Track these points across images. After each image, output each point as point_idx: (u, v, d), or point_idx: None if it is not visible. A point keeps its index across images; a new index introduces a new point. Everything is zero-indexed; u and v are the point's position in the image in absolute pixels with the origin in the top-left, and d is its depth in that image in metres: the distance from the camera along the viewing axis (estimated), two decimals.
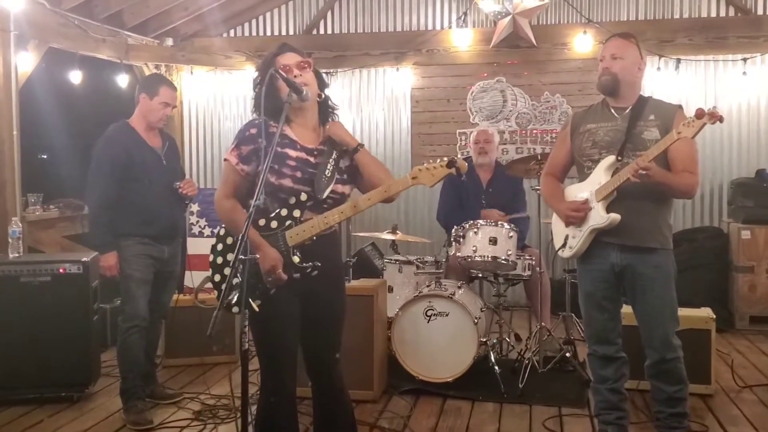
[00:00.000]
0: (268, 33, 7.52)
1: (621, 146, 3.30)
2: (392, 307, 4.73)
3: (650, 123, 3.30)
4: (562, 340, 4.91)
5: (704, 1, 6.83)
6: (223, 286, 2.59)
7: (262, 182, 2.52)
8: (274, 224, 2.71)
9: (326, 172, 2.76)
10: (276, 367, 2.76)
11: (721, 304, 6.15)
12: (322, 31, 7.47)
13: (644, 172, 3.09)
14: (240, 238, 2.45)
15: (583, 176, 3.46)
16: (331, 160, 2.78)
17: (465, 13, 7.13)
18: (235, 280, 2.50)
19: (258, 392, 2.83)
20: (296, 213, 2.71)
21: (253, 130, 2.71)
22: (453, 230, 4.81)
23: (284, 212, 2.70)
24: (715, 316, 4.38)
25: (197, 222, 6.80)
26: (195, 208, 6.78)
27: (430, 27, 7.27)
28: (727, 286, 6.29)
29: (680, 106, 3.39)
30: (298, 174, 2.71)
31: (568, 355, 4.68)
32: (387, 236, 5.07)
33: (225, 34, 7.51)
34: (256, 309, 2.62)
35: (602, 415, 3.53)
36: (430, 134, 7.28)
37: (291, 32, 7.45)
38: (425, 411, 4.17)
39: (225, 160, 2.77)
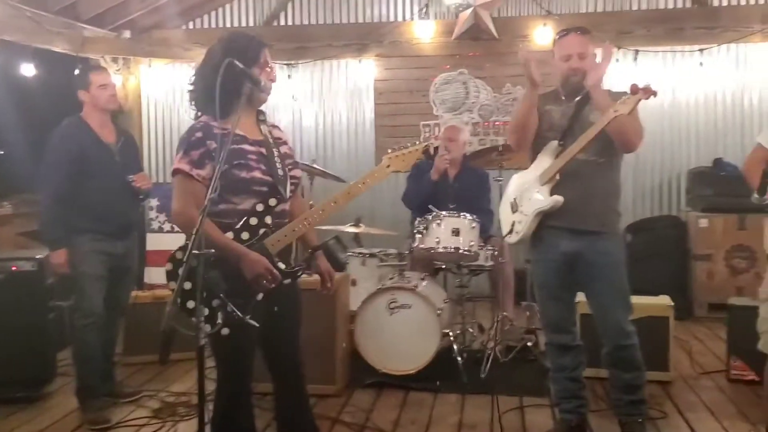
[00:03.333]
0: (228, 24, 7.42)
1: (564, 132, 3.36)
2: (355, 301, 4.72)
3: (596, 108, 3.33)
4: (524, 329, 4.94)
5: None
6: (203, 311, 2.48)
7: (216, 179, 2.40)
8: (245, 236, 2.62)
9: (278, 164, 2.73)
10: (233, 368, 2.71)
11: (680, 292, 6.19)
12: (282, 23, 7.39)
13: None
14: (191, 241, 2.31)
15: (533, 157, 3.49)
16: (274, 150, 2.75)
17: (427, 5, 7.11)
18: (215, 302, 2.46)
19: (215, 391, 2.79)
20: (268, 220, 2.64)
21: (199, 134, 2.60)
22: (416, 222, 4.80)
23: (254, 221, 2.63)
24: (673, 304, 4.44)
25: (156, 217, 6.70)
26: (154, 203, 6.69)
27: (392, 18, 7.24)
28: (686, 274, 6.38)
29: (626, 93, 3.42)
30: (263, 166, 2.67)
31: (529, 344, 4.72)
32: (350, 229, 5.05)
33: (184, 27, 7.39)
34: (256, 325, 2.55)
35: (562, 404, 3.57)
36: (394, 126, 7.26)
37: (251, 23, 7.36)
38: (388, 404, 4.16)
39: (176, 171, 2.60)
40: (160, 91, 7.54)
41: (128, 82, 7.34)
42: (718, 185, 6.21)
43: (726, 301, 4.61)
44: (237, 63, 2.55)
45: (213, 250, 2.38)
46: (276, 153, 2.74)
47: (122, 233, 4.08)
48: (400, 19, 7.21)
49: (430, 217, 4.64)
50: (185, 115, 7.46)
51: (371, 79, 7.25)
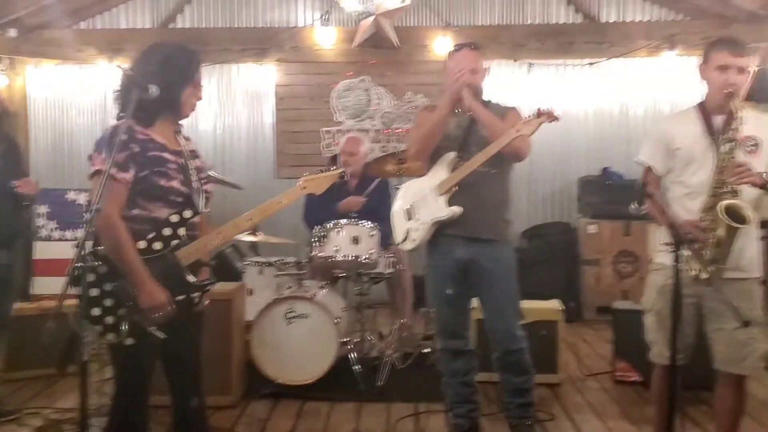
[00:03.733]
0: (123, 26, 7.20)
1: (461, 144, 3.45)
2: (252, 311, 4.65)
3: None
4: (422, 335, 5.01)
5: (554, 8, 7.17)
6: (107, 320, 2.49)
7: (102, 185, 2.36)
8: (157, 246, 2.57)
9: (193, 176, 2.71)
10: (133, 379, 2.64)
11: (570, 295, 6.47)
12: (180, 25, 7.23)
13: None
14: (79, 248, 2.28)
15: (429, 168, 3.56)
16: (189, 162, 2.72)
17: (328, 12, 7.12)
18: (121, 311, 2.46)
19: (111, 402, 2.70)
20: (181, 231, 2.61)
21: (123, 136, 2.53)
22: (315, 230, 4.78)
23: (167, 232, 2.58)
24: (563, 308, 4.61)
25: (45, 224, 6.41)
26: (43, 209, 6.40)
27: (293, 24, 7.21)
28: (576, 278, 6.65)
29: (515, 108, 3.57)
30: (181, 176, 2.64)
31: (427, 350, 4.79)
32: (248, 238, 4.98)
33: (75, 27, 7.11)
34: (162, 336, 2.52)
35: (454, 409, 3.65)
36: (295, 132, 7.23)
37: (147, 25, 7.18)
38: (284, 414, 4.13)
39: (98, 172, 2.49)
40: (48, 93, 7.22)
41: (14, 83, 6.99)
42: (606, 193, 6.50)
43: (612, 304, 4.82)
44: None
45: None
46: (191, 165, 2.72)
47: (5, 242, 3.88)
48: (301, 24, 7.19)
49: (329, 226, 4.64)
50: (77, 117, 7.25)
51: (272, 84, 7.20)
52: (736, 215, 2.75)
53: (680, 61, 6.75)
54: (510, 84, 7.01)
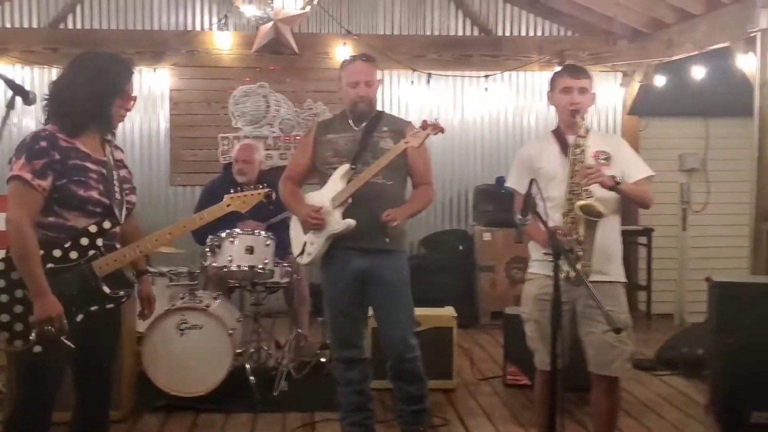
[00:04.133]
0: (8, 25, 6.86)
1: (355, 155, 3.48)
2: (144, 323, 4.51)
3: (384, 134, 3.53)
4: (319, 344, 5.01)
5: (452, 21, 7.33)
6: (17, 326, 2.48)
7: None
8: (73, 255, 2.55)
9: (116, 187, 2.68)
10: (38, 389, 2.58)
11: (466, 301, 6.64)
12: (70, 26, 6.96)
13: (395, 223, 3.37)
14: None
15: (324, 182, 3.59)
16: (114, 172, 2.70)
17: (226, 16, 7.02)
18: (31, 317, 2.45)
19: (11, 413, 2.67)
20: (99, 242, 2.59)
21: (44, 143, 2.51)
22: (208, 240, 4.70)
23: (85, 242, 2.56)
24: (456, 314, 4.72)
25: None
26: None
27: (189, 28, 7.08)
28: (472, 284, 6.81)
29: (410, 122, 3.68)
30: (101, 187, 2.60)
31: (323, 359, 4.79)
32: None
33: None
34: (71, 345, 2.50)
35: (348, 417, 3.67)
36: (191, 138, 7.08)
37: (34, 25, 6.87)
38: (176, 427, 4.06)
39: (15, 177, 2.48)
40: None
41: None
42: (499, 201, 6.66)
43: (505, 309, 4.97)
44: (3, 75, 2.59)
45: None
46: (116, 176, 2.70)
47: None
48: (198, 28, 7.07)
49: (223, 235, 4.57)
50: None
51: (167, 88, 7.03)
52: (591, 212, 2.97)
53: None
54: (409, 94, 7.12)
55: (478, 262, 6.73)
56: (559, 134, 3.29)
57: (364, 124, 3.53)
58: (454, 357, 4.69)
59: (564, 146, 3.22)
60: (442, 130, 3.29)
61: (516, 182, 3.31)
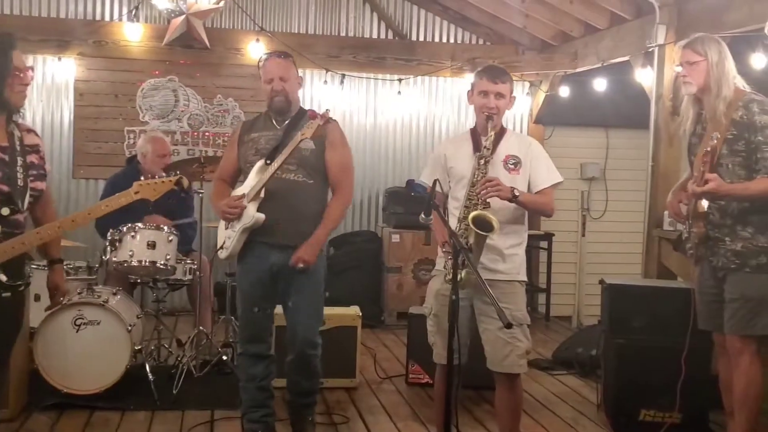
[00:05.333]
0: None
1: (272, 151, 3.48)
2: (38, 317, 4.35)
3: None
4: (222, 343, 4.95)
5: (367, 23, 7.38)
6: None
7: None
8: None
9: (19, 173, 2.58)
10: None
11: (374, 301, 6.74)
12: None
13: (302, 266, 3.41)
14: None
15: (244, 177, 3.62)
16: (19, 159, 2.59)
17: (137, 7, 6.85)
18: None
19: None
20: None
21: None
22: (109, 233, 4.57)
23: None
24: (361, 314, 4.76)
25: None
26: None
27: (98, 17, 6.87)
28: (380, 284, 6.87)
29: (335, 121, 3.66)
30: (0, 173, 2.51)
31: (225, 358, 4.73)
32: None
33: None
34: None
35: (249, 414, 3.67)
36: (96, 130, 6.86)
37: None
38: (69, 426, 3.93)
39: None
40: None
41: None
42: (409, 204, 6.75)
43: (410, 309, 5.03)
44: None
45: None
46: (20, 161, 2.59)
47: None
48: (107, 18, 6.87)
49: (124, 229, 4.46)
50: None
51: (72, 78, 6.79)
52: (483, 224, 3.03)
53: None
54: (322, 94, 7.12)
55: (386, 264, 6.79)
56: (475, 134, 3.35)
57: (286, 123, 3.56)
58: (358, 356, 4.73)
59: (477, 147, 3.27)
60: (328, 120, 3.33)
61: (429, 179, 3.34)
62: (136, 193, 2.73)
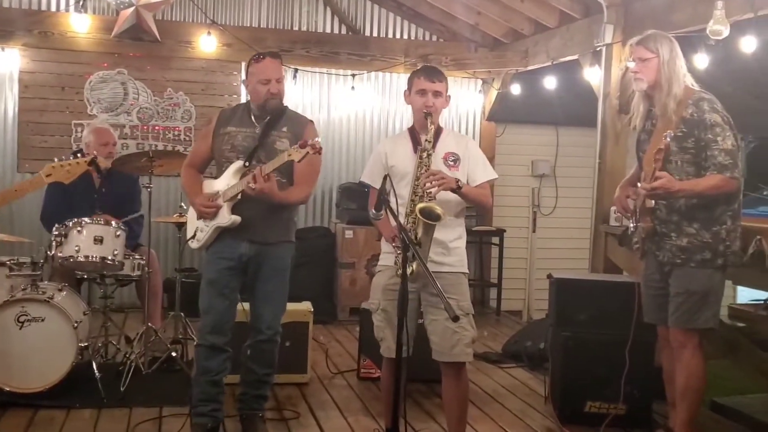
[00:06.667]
0: None
1: (251, 153, 3.53)
2: None
3: (283, 134, 3.59)
4: (171, 339, 4.89)
5: (320, 17, 7.34)
6: None
7: None
8: None
9: None
10: None
11: (327, 297, 6.74)
12: None
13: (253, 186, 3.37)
14: None
15: (220, 174, 3.65)
16: None
17: None
18: None
19: None
20: None
21: None
22: (54, 228, 4.46)
23: None
24: (313, 309, 4.76)
25: None
26: None
27: (44, 7, 6.70)
28: (333, 280, 6.87)
29: (312, 121, 3.76)
30: None
31: (174, 354, 4.68)
32: None
33: None
34: None
35: (198, 407, 3.66)
36: (41, 123, 6.70)
37: None
38: (11, 425, 3.84)
39: None
40: None
41: None
42: (362, 200, 6.71)
43: (362, 304, 5.04)
44: None
45: None
46: None
47: None
48: (54, 9, 6.71)
49: (70, 224, 4.36)
50: None
51: (16, 69, 6.62)
52: (431, 215, 3.08)
53: None
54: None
55: (340, 259, 6.79)
56: (413, 133, 3.43)
57: (265, 121, 3.56)
58: (309, 351, 4.73)
59: (417, 145, 3.35)
60: (319, 151, 3.33)
61: (370, 177, 3.43)
62: (48, 176, 2.65)
